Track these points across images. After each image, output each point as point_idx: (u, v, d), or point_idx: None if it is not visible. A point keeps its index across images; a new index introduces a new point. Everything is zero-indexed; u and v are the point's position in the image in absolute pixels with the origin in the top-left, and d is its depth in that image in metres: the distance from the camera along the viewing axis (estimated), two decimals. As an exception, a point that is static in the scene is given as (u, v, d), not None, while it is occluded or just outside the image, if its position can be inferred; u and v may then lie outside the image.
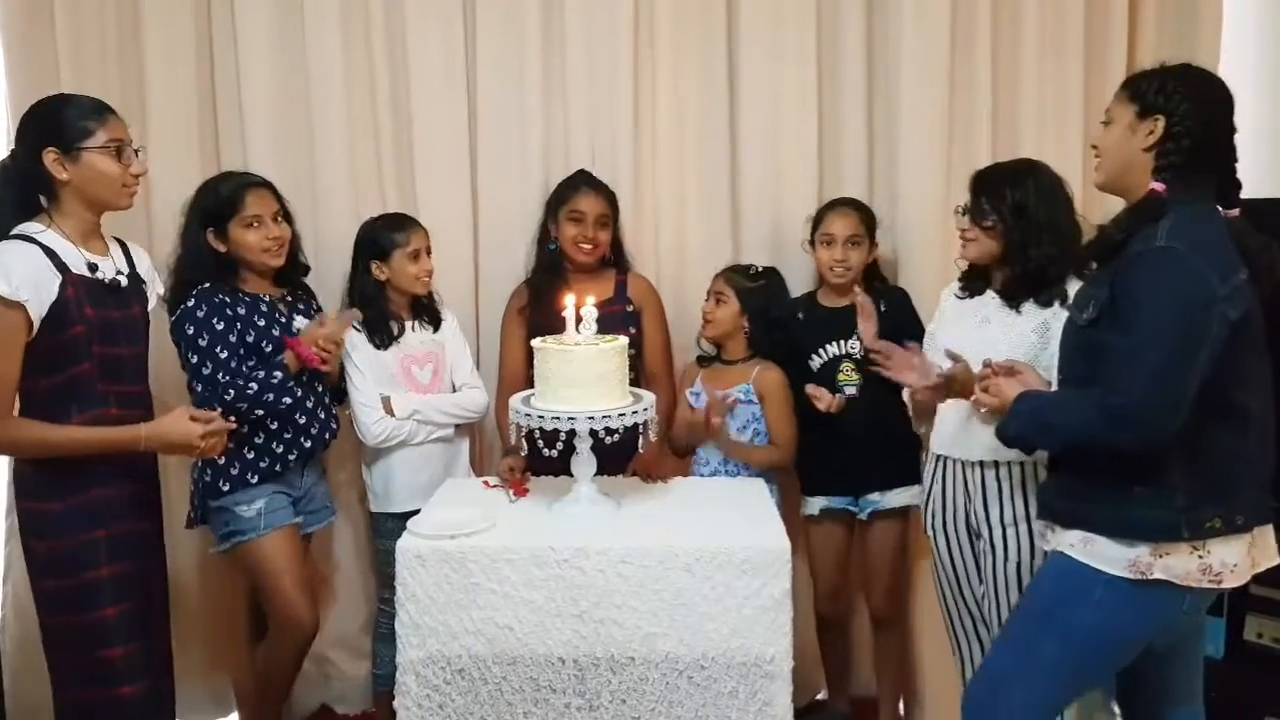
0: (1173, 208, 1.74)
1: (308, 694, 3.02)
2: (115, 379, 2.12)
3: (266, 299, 2.48)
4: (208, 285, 2.39)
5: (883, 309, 2.62)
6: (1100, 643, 1.82)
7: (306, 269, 2.63)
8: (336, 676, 3.03)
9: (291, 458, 2.48)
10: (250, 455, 2.43)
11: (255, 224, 2.42)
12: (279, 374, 2.39)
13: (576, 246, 2.68)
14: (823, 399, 2.56)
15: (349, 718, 3.04)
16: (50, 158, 2.03)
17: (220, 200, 2.42)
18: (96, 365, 2.07)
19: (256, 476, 2.43)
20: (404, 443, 2.63)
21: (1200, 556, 1.74)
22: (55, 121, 2.05)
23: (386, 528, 2.67)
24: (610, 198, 2.73)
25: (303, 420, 2.49)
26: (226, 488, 2.40)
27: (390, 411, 2.61)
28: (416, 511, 2.30)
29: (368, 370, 2.63)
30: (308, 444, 2.50)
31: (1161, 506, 1.74)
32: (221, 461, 2.38)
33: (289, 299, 2.56)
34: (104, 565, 2.08)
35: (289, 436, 2.47)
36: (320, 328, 2.45)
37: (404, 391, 2.65)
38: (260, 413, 2.39)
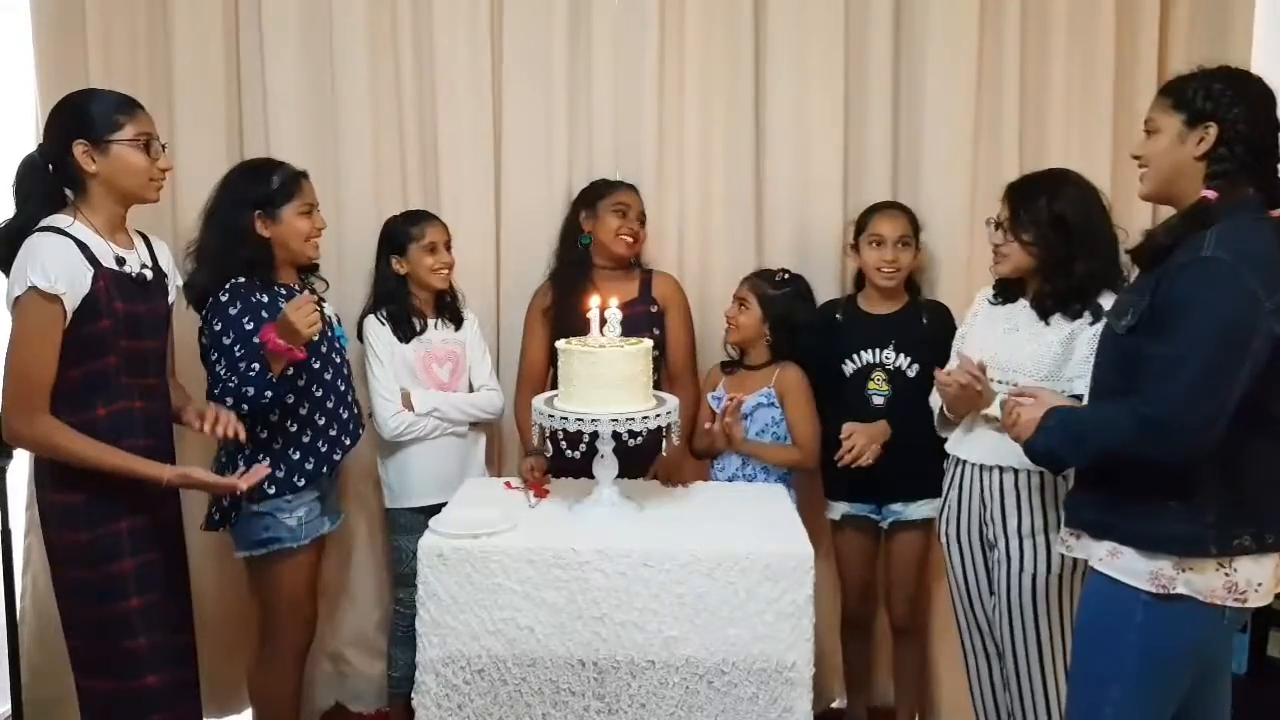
0: (1222, 215, 1.71)
1: (323, 692, 3.03)
2: (140, 373, 2.12)
3: (296, 290, 2.45)
4: (242, 280, 2.32)
5: (924, 321, 2.62)
6: (1153, 666, 1.78)
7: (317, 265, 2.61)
8: (351, 675, 3.03)
9: (336, 457, 2.45)
10: (296, 456, 2.38)
11: (308, 212, 2.40)
12: (256, 366, 2.22)
13: (618, 238, 2.69)
14: (852, 446, 2.49)
15: (363, 717, 3.04)
16: (79, 150, 2.03)
17: (275, 185, 2.36)
18: (122, 359, 2.07)
19: (304, 479, 2.38)
20: (418, 438, 2.63)
21: (1227, 574, 1.72)
22: (85, 114, 2.06)
23: (401, 523, 2.69)
24: (639, 195, 2.77)
25: (345, 416, 2.47)
26: (272, 490, 2.33)
27: (409, 406, 2.62)
28: (432, 506, 2.32)
29: (389, 362, 2.63)
30: (348, 441, 2.48)
31: (1191, 521, 1.71)
32: (265, 462, 2.31)
33: (305, 288, 2.52)
34: (127, 557, 2.08)
35: (334, 434, 2.43)
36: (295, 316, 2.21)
37: (422, 387, 2.66)
38: (257, 407, 2.26)
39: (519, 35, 2.88)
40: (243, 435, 2.20)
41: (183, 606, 2.27)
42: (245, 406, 2.23)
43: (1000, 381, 2.21)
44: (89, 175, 2.05)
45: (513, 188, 2.94)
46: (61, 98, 2.14)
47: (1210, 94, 1.75)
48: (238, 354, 2.26)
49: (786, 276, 2.69)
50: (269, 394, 2.23)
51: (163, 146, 2.14)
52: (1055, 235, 2.17)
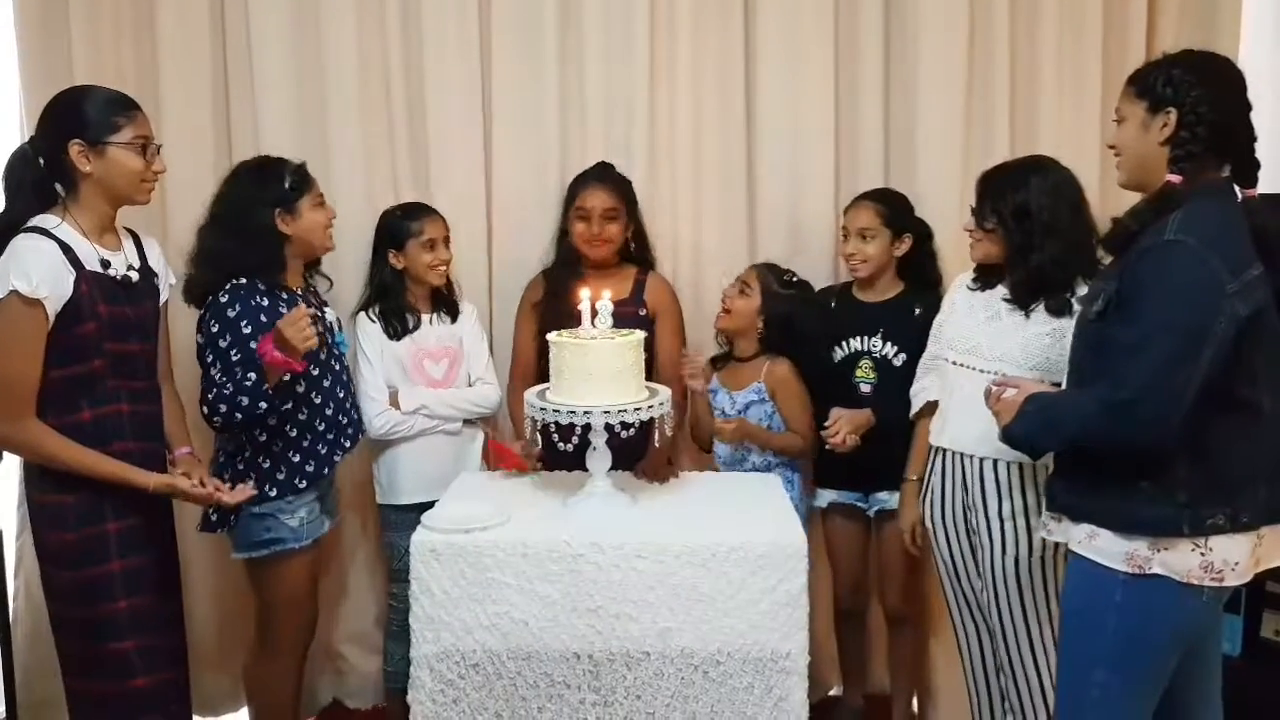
0: (1189, 199, 1.72)
1: (320, 689, 3.02)
2: (127, 375, 2.11)
3: (299, 292, 2.43)
4: (243, 281, 2.30)
5: (916, 311, 2.61)
6: (1134, 646, 1.80)
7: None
8: (348, 671, 3.03)
9: (336, 459, 2.44)
10: (296, 459, 2.37)
11: (321, 203, 2.40)
12: (253, 376, 2.20)
13: (585, 244, 2.66)
14: (836, 431, 2.48)
15: (361, 713, 3.03)
16: (75, 149, 2.02)
17: (289, 181, 2.35)
18: (108, 362, 2.06)
19: (305, 481, 2.37)
20: (406, 437, 2.62)
21: (1202, 554, 1.74)
22: (83, 113, 2.04)
23: (391, 520, 2.69)
24: (621, 190, 2.69)
25: (344, 420, 2.45)
26: (274, 493, 2.33)
27: (397, 405, 2.61)
28: (422, 504, 2.30)
29: (377, 361, 2.62)
30: (348, 444, 2.47)
31: (1163, 502, 1.73)
32: (266, 466, 2.33)
33: (309, 290, 2.52)
34: (114, 559, 2.07)
35: (332, 438, 2.42)
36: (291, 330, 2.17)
37: (413, 385, 2.64)
38: (252, 418, 2.24)
39: (509, 24, 2.86)
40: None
41: (174, 608, 2.26)
42: (239, 416, 2.21)
43: (984, 371, 2.22)
44: (82, 175, 2.04)
45: (504, 180, 2.92)
46: (59, 93, 2.11)
47: (1170, 80, 1.77)
48: (233, 359, 2.24)
49: (795, 279, 2.67)
50: (264, 405, 2.21)
51: (158, 149, 2.12)
52: (1017, 225, 2.18)
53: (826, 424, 2.50)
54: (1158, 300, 1.68)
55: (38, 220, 2.03)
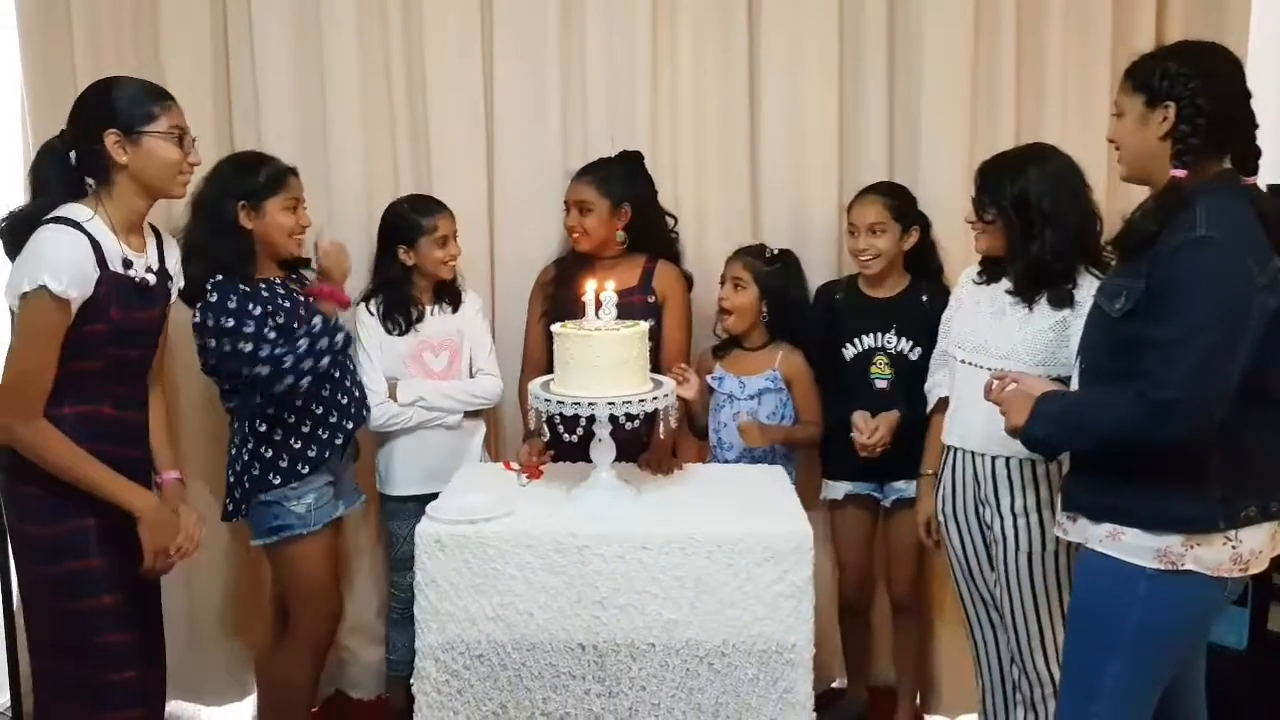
0: (1202, 194, 1.71)
1: (323, 680, 3.00)
2: (118, 380, 2.08)
3: (279, 282, 2.42)
4: (221, 278, 2.28)
5: (924, 299, 2.60)
6: (1156, 641, 1.79)
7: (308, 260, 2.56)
8: (351, 662, 3.03)
9: (339, 441, 2.43)
10: (298, 445, 2.36)
11: (293, 208, 2.38)
12: (318, 321, 2.31)
13: (572, 238, 2.66)
14: (864, 432, 2.49)
15: (364, 703, 3.04)
16: (111, 140, 1.98)
17: (261, 178, 2.33)
18: (104, 364, 2.03)
19: (308, 467, 2.37)
20: (404, 429, 2.63)
21: (1234, 547, 1.73)
22: (119, 103, 2.00)
23: (388, 510, 2.70)
24: (603, 184, 2.62)
25: (344, 401, 2.45)
26: (278, 480, 2.34)
27: (394, 397, 2.61)
28: (418, 496, 2.32)
29: (376, 354, 2.62)
30: (350, 425, 2.46)
31: (1199, 500, 1.72)
32: (269, 455, 2.33)
33: (290, 278, 2.50)
34: (95, 554, 2.03)
35: (334, 420, 2.42)
36: (330, 262, 2.43)
37: (412, 377, 2.64)
38: (320, 371, 2.31)
39: (510, 19, 2.84)
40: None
41: (153, 605, 2.22)
42: (326, 362, 2.31)
43: (991, 369, 2.20)
44: (117, 167, 2.00)
45: (506, 176, 2.91)
46: (91, 85, 2.08)
47: (1166, 73, 1.75)
48: (269, 335, 2.26)
49: (775, 252, 2.68)
50: (340, 336, 2.35)
51: (194, 141, 2.10)
52: (1017, 215, 2.17)
53: (864, 429, 2.49)
54: (1194, 298, 1.66)
55: (67, 210, 1.97)
